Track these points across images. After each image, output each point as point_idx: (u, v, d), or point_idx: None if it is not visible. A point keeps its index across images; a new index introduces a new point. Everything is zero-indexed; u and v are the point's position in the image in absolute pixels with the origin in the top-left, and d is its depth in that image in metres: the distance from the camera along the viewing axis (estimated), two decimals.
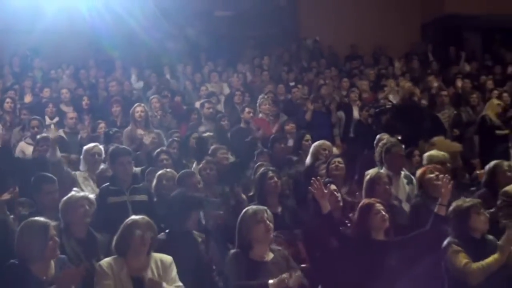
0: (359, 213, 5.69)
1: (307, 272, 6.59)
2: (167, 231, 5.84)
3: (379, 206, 5.63)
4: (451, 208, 5.64)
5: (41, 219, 5.00)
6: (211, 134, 9.73)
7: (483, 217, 5.51)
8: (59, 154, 7.41)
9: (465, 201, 5.62)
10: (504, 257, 5.22)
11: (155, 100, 11.28)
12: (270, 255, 5.21)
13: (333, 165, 7.56)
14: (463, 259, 5.28)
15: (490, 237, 5.57)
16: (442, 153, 7.71)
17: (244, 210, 5.35)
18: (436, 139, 9.40)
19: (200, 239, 5.90)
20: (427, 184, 6.68)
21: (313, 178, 5.88)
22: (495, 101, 11.44)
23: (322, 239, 6.16)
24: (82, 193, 5.95)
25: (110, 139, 9.35)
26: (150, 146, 8.84)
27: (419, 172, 6.96)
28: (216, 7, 15.94)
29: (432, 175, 6.66)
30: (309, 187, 5.86)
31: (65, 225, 5.64)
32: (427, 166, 7.04)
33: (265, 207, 5.38)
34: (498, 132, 10.51)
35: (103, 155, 7.99)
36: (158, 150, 8.46)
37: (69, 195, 5.81)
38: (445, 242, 5.48)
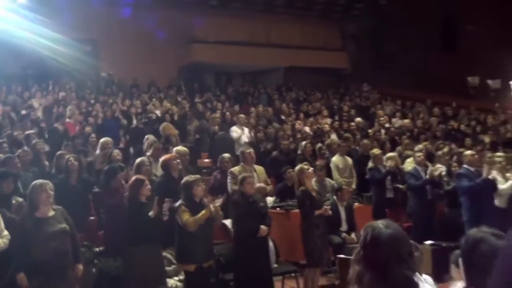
0: (133, 185, 5.55)
1: (94, 224, 6.49)
2: None
3: (146, 181, 5.57)
4: (182, 181, 5.64)
5: None
6: (34, 132, 9.25)
7: (201, 188, 5.56)
8: None
9: (191, 177, 5.63)
10: (208, 213, 5.36)
11: None
12: (52, 212, 4.75)
13: (115, 154, 7.46)
14: (186, 216, 5.34)
15: (205, 200, 5.62)
16: (185, 148, 7.82)
17: (33, 183, 4.80)
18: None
19: (14, 201, 5.48)
20: (169, 167, 6.60)
21: None
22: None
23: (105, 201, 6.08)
24: None
25: None
26: None
27: (164, 157, 6.85)
28: (44, 49, 14.67)
29: (175, 162, 6.66)
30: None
31: None
32: (171, 154, 7.02)
33: (48, 181, 4.84)
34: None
35: None
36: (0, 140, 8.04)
37: None
38: (177, 204, 5.43)
